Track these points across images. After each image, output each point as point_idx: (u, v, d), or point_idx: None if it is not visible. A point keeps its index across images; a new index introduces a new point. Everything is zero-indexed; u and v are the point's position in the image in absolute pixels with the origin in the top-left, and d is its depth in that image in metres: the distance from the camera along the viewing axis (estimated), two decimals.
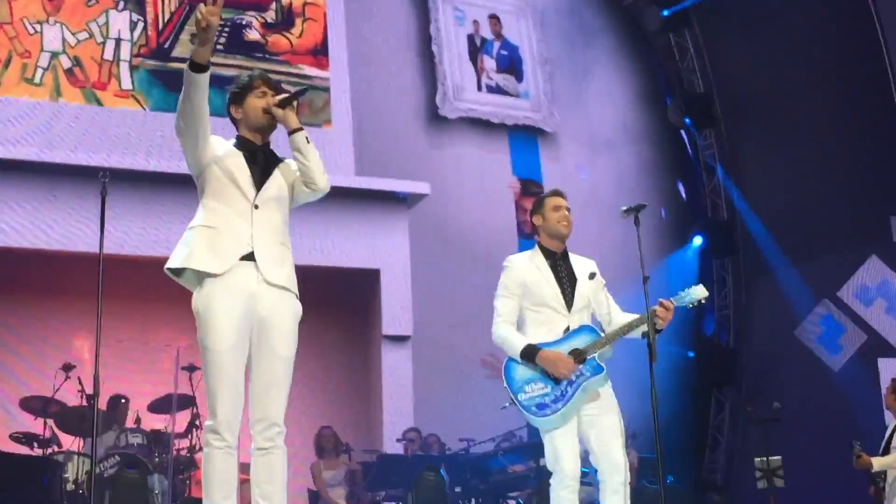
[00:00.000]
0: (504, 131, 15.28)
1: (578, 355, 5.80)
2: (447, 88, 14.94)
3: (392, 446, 12.36)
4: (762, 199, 15.00)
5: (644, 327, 5.86)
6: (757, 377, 14.61)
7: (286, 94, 5.07)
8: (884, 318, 13.32)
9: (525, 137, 15.42)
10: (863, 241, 13.38)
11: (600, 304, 6.10)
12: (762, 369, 14.50)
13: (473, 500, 11.18)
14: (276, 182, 5.02)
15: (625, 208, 6.14)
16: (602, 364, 5.82)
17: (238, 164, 4.98)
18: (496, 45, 15.61)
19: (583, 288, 6.01)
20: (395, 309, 13.63)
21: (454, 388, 13.45)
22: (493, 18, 15.67)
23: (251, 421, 4.90)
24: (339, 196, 13.37)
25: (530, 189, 15.22)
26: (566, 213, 6.10)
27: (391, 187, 13.81)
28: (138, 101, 12.77)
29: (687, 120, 15.77)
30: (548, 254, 6.10)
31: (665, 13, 15.76)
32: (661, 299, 5.93)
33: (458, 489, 11.06)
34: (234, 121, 5.19)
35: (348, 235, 13.21)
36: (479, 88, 15.31)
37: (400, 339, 13.59)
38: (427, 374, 13.53)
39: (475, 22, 15.52)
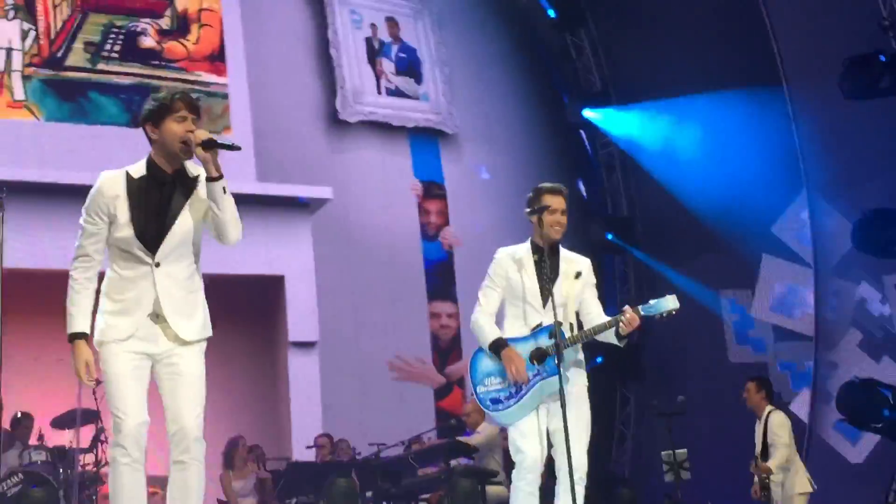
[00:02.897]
0: (405, 134, 15.30)
1: (540, 355, 5.89)
2: (346, 92, 14.90)
3: (302, 453, 12.29)
4: (656, 200, 15.18)
5: (614, 330, 5.93)
6: (660, 371, 14.81)
7: (213, 138, 4.81)
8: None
9: (426, 139, 15.46)
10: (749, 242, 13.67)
11: (584, 304, 6.13)
12: (665, 362, 14.71)
13: None
14: (181, 230, 4.89)
15: (528, 210, 6.08)
16: (558, 366, 5.73)
17: (127, 236, 4.84)
18: (394, 47, 15.62)
19: (563, 286, 6.01)
20: (301, 315, 13.56)
21: (362, 392, 13.44)
22: (391, 21, 15.67)
23: (169, 436, 4.91)
24: (241, 203, 13.05)
25: (432, 191, 15.27)
26: (560, 217, 6.04)
27: (293, 193, 13.75)
28: (32, 112, 12.54)
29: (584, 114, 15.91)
30: (536, 249, 6.10)
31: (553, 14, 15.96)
32: (628, 308, 5.92)
33: (369, 494, 11.04)
34: (148, 138, 4.94)
35: (251, 242, 12.98)
36: (379, 92, 15.30)
37: (306, 346, 13.52)
38: (335, 379, 13.48)
39: (373, 25, 15.51)
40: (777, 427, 9.41)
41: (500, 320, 6.15)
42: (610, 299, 15.10)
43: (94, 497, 10.01)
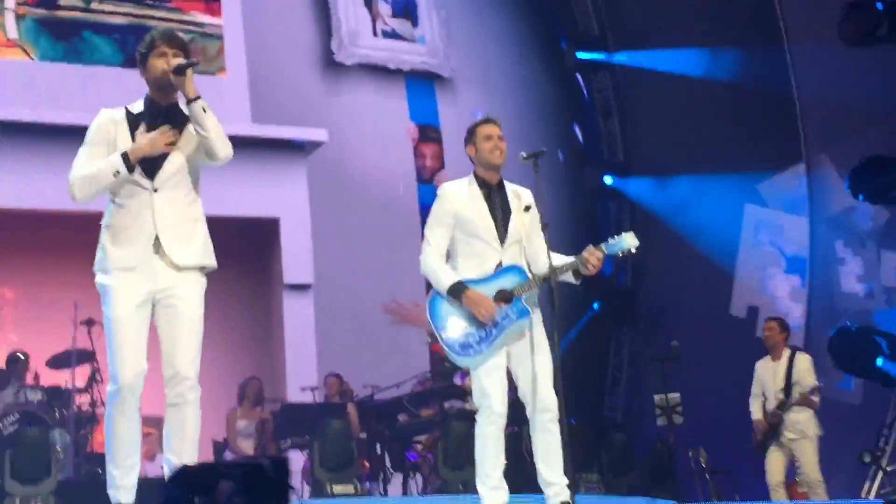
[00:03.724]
0: (401, 77, 15.23)
1: (505, 296, 5.71)
2: (342, 34, 14.81)
3: (296, 395, 12.34)
4: (654, 141, 15.18)
5: (574, 270, 5.81)
6: (654, 316, 14.86)
7: (180, 62, 5.02)
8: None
9: (422, 83, 15.39)
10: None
11: (531, 240, 5.93)
12: (659, 308, 14.75)
13: (379, 447, 11.24)
14: (178, 156, 5.06)
15: (525, 155, 5.95)
16: (528, 307, 5.70)
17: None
18: None
19: (516, 221, 5.83)
20: (296, 257, 13.57)
21: (357, 335, 13.46)
22: None
23: (164, 379, 5.04)
24: (236, 145, 13.03)
25: (428, 134, 15.23)
26: (498, 141, 5.88)
27: (288, 135, 13.70)
28: (25, 52, 12.46)
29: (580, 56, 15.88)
30: (482, 184, 5.91)
31: None
32: (591, 247, 5.81)
33: (363, 435, 11.11)
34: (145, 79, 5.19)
35: (246, 184, 13.05)
36: (375, 34, 15.21)
37: (301, 288, 13.55)
38: (330, 322, 13.51)
39: None
40: (807, 368, 9.52)
41: (450, 258, 5.89)
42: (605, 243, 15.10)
43: (89, 437, 10.08)
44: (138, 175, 4.96)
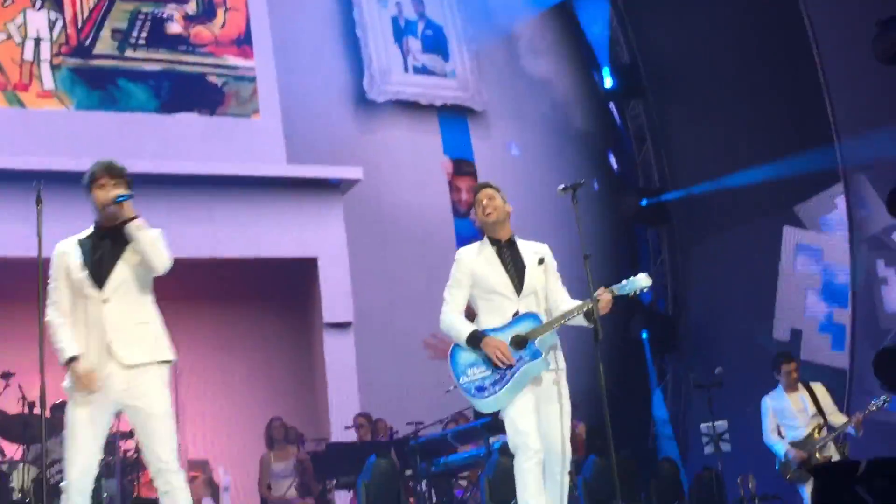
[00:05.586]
0: (433, 112, 15.28)
1: (520, 341, 5.96)
2: (374, 72, 14.90)
3: (340, 433, 12.32)
4: (690, 167, 15.14)
5: (585, 312, 6.02)
6: (697, 343, 14.75)
7: (116, 195, 5.61)
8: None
9: (455, 117, 15.43)
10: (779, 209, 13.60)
11: (550, 290, 6.24)
12: (702, 335, 14.64)
13: (424, 484, 11.17)
14: (123, 269, 5.64)
15: (562, 187, 6.24)
16: (540, 349, 5.95)
17: (80, 278, 5.59)
18: (420, 25, 15.59)
19: (531, 273, 6.15)
20: (335, 296, 13.56)
21: (399, 372, 13.45)
22: None
23: (151, 473, 5.58)
24: (272, 185, 13.29)
25: (462, 168, 15.25)
26: (485, 204, 6.26)
27: (323, 174, 13.72)
28: (62, 101, 12.59)
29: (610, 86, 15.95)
30: (494, 242, 6.26)
31: None
32: (602, 288, 6.07)
33: (408, 473, 11.05)
34: None
35: (283, 225, 13.11)
36: (406, 70, 15.29)
37: (341, 326, 13.54)
38: (371, 359, 13.50)
39: (398, 3, 15.48)
40: (827, 394, 9.49)
41: (475, 315, 6.23)
42: (644, 270, 15.01)
43: (135, 483, 10.08)
44: (89, 288, 5.56)
